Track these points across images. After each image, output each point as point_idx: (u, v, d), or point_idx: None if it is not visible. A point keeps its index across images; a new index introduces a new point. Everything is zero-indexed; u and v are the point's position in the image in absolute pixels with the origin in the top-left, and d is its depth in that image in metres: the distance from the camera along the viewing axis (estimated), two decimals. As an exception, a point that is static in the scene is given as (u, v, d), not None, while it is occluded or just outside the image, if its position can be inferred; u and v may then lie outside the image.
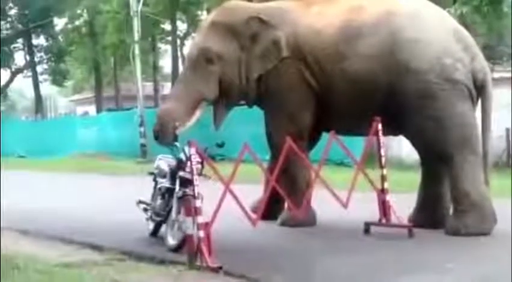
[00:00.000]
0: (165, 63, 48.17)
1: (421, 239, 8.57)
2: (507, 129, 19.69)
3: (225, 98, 10.01)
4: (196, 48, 10.18)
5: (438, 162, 9.24)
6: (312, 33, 9.65)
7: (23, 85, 54.64)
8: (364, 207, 9.40)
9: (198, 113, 9.85)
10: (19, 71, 48.70)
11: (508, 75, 20.08)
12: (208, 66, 9.86)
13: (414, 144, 9.61)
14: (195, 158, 7.63)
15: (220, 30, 9.96)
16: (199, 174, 7.83)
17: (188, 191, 7.97)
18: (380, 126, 9.04)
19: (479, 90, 9.21)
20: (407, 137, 9.66)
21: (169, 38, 40.47)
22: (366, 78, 9.23)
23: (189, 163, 7.92)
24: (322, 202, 9.54)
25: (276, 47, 9.71)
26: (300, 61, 9.67)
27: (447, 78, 9.00)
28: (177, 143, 8.84)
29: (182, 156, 8.38)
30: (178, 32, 39.93)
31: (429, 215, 9.29)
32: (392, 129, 9.40)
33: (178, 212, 8.14)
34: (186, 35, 41.24)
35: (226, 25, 9.96)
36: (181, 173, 8.32)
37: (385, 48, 9.19)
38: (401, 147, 16.67)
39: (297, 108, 9.78)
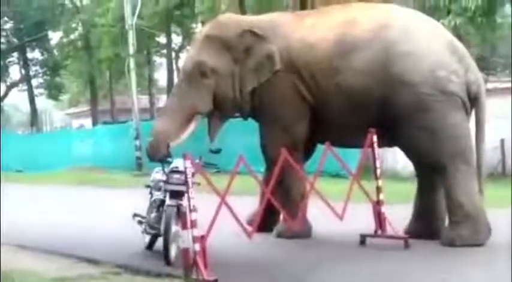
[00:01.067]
0: (160, 76, 48.18)
1: (417, 250, 8.59)
2: (502, 140, 19.74)
3: (220, 110, 10.05)
4: (190, 62, 10.21)
5: (432, 173, 9.26)
6: (306, 47, 9.68)
7: (18, 99, 54.53)
8: (359, 218, 9.39)
9: (192, 126, 9.89)
10: (14, 85, 48.62)
11: (502, 86, 20.19)
12: (202, 80, 9.91)
13: (408, 155, 9.64)
14: (191, 171, 7.64)
15: (214, 44, 10.00)
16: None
17: (182, 203, 8.04)
18: (375, 137, 9.07)
19: (473, 102, 9.25)
20: (402, 149, 9.69)
21: (164, 51, 40.54)
22: (361, 92, 9.26)
23: (178, 175, 8.11)
24: (317, 214, 9.54)
25: (269, 61, 9.74)
26: (294, 74, 9.70)
27: (441, 90, 9.03)
28: (169, 159, 8.86)
29: (167, 169, 8.47)
30: (173, 45, 40.03)
31: (425, 226, 9.31)
32: (387, 140, 9.44)
33: (167, 224, 8.18)
34: (181, 48, 41.28)
35: (219, 38, 10.00)
36: (167, 186, 8.38)
37: (379, 62, 9.22)
38: (396, 159, 16.71)
39: (292, 120, 9.80)
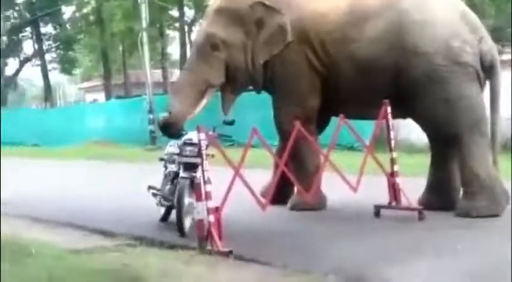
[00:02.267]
0: (173, 50, 48.10)
1: (431, 222, 8.57)
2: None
3: (232, 83, 10.03)
4: (201, 35, 10.20)
5: (447, 144, 9.22)
6: (318, 17, 9.65)
7: (32, 74, 54.71)
8: (374, 190, 9.37)
9: (205, 100, 9.88)
10: (28, 59, 48.70)
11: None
12: (213, 53, 9.88)
13: (423, 127, 9.59)
14: (205, 143, 7.65)
15: (225, 17, 9.96)
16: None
17: (196, 175, 8.06)
18: (389, 109, 9.02)
19: (487, 72, 9.19)
20: (416, 120, 9.64)
21: (177, 25, 40.37)
22: (373, 61, 9.23)
23: (191, 147, 8.15)
24: (331, 186, 9.54)
25: (281, 32, 9.71)
26: (306, 45, 9.68)
27: (455, 60, 8.97)
28: (183, 132, 8.86)
29: (180, 141, 8.48)
30: (185, 18, 39.79)
31: (439, 197, 9.30)
32: (400, 112, 9.39)
33: (180, 196, 8.21)
34: (194, 21, 41.05)
35: (231, 11, 9.95)
36: (181, 159, 8.40)
37: (391, 31, 9.18)
38: (410, 131, 16.59)
39: (304, 92, 9.78)
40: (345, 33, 9.44)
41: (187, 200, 8.19)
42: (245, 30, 9.88)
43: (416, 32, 9.11)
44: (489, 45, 9.25)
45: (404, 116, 9.93)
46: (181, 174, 8.33)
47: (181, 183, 8.24)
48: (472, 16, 9.42)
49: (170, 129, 9.35)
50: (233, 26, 9.89)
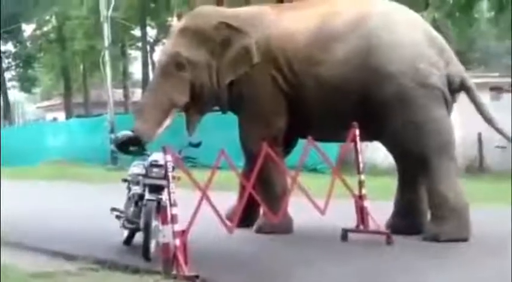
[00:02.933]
0: (135, 70, 47.93)
1: (399, 246, 8.48)
2: (479, 134, 19.70)
3: (197, 103, 9.90)
4: (166, 54, 10.09)
5: (415, 167, 9.16)
6: (285, 37, 9.56)
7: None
8: (340, 213, 9.27)
9: (169, 120, 9.74)
10: (-14, 77, 48.12)
11: (478, 80, 20.20)
12: (178, 72, 9.76)
13: (390, 149, 9.53)
14: (171, 165, 7.50)
15: (190, 36, 9.86)
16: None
17: (162, 198, 7.90)
18: (357, 131, 8.95)
19: (456, 94, 9.20)
20: (383, 143, 9.58)
21: (139, 44, 40.27)
22: (339, 84, 9.15)
23: (157, 169, 7.99)
24: (298, 209, 9.42)
25: (246, 53, 9.62)
26: (272, 65, 9.58)
27: (422, 82, 8.94)
28: (146, 152, 8.68)
29: (146, 163, 8.31)
30: (148, 38, 39.74)
31: (407, 220, 9.22)
32: (368, 134, 9.32)
33: (147, 219, 8.00)
34: (156, 41, 41.08)
35: (196, 31, 9.84)
36: (147, 180, 8.23)
37: (359, 53, 9.11)
38: (374, 152, 16.62)
39: (270, 113, 9.67)
40: (311, 54, 9.36)
41: (153, 223, 8.01)
42: (210, 50, 9.76)
43: (383, 53, 9.05)
44: (457, 67, 9.25)
45: (371, 139, 9.87)
46: (148, 196, 8.14)
47: (148, 205, 8.05)
48: (439, 39, 9.42)
49: (130, 146, 9.06)
50: (198, 46, 9.78)
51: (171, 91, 9.74)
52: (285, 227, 9.48)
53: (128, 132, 9.08)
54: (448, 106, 9.20)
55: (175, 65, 9.79)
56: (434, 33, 9.54)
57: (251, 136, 9.72)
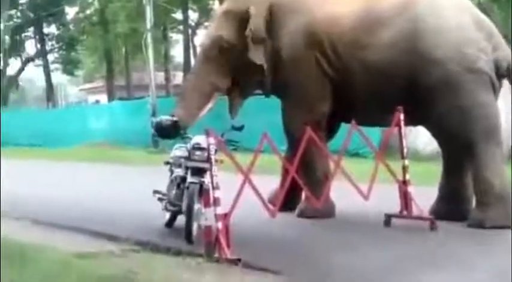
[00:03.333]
0: (177, 53, 48.07)
1: (443, 232, 8.38)
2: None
3: (240, 87, 9.90)
4: (209, 38, 10.12)
5: (460, 153, 9.03)
6: (330, 21, 9.49)
7: (34, 74, 54.59)
8: (384, 198, 9.18)
9: (210, 104, 9.76)
10: (30, 60, 48.66)
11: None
12: (220, 56, 9.76)
13: (436, 135, 9.41)
14: (213, 148, 7.48)
15: (233, 20, 9.83)
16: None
17: (205, 181, 7.89)
18: (402, 116, 8.84)
19: (501, 80, 9.05)
20: (428, 128, 9.46)
21: (181, 27, 40.32)
22: (385, 68, 9.07)
23: (200, 152, 7.97)
24: (341, 194, 9.35)
25: (288, 36, 9.56)
26: (317, 50, 9.52)
27: (469, 67, 8.81)
28: (188, 135, 8.67)
29: (189, 145, 8.29)
30: (189, 21, 39.76)
31: (451, 207, 9.10)
32: (412, 119, 9.20)
33: (190, 202, 7.99)
34: (198, 25, 41.12)
35: (239, 14, 9.81)
36: (190, 163, 8.21)
37: (405, 37, 9.02)
38: (416, 138, 16.44)
39: (314, 97, 9.62)
40: (357, 38, 9.28)
41: (196, 205, 8.00)
42: (241, 31, 9.70)
43: (430, 38, 8.95)
44: (505, 51, 9.07)
45: (415, 124, 9.76)
46: (190, 179, 8.13)
47: (191, 188, 8.04)
48: (487, 23, 9.27)
49: (169, 131, 9.08)
50: (241, 30, 9.72)
51: (213, 75, 9.75)
52: (327, 212, 9.42)
53: (167, 117, 9.07)
54: (495, 91, 9.05)
55: (217, 48, 9.79)
56: (483, 17, 9.38)
57: (294, 120, 9.67)
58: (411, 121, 9.27)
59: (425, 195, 9.29)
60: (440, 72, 8.83)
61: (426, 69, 8.89)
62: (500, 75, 9.01)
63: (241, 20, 9.74)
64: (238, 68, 9.76)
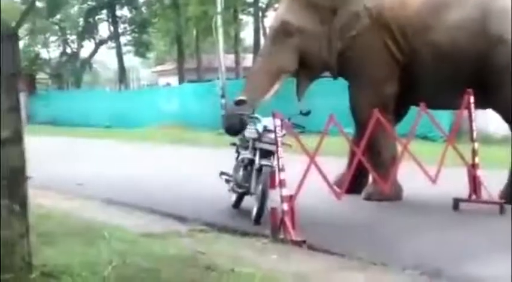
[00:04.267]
0: (247, 35, 48.10)
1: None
2: None
3: (307, 70, 9.91)
4: (276, 21, 10.17)
5: None
6: (398, 3, 9.45)
7: (106, 56, 55.38)
8: (452, 182, 9.07)
9: (277, 86, 9.76)
10: (103, 42, 49.37)
11: None
12: (287, 39, 9.79)
13: (505, 117, 9.24)
14: (280, 130, 7.49)
15: (300, 3, 9.87)
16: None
17: (270, 163, 7.92)
18: (472, 98, 8.70)
19: None
20: (498, 111, 9.30)
21: (251, 10, 40.32)
22: (453, 50, 8.99)
23: (270, 134, 7.85)
24: (409, 177, 9.27)
25: (356, 19, 9.54)
26: (385, 32, 9.48)
27: None
28: (258, 115, 8.69)
29: (260, 127, 8.29)
30: (260, 4, 39.72)
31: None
32: (481, 102, 9.04)
33: (265, 185, 7.99)
34: (268, 7, 40.97)
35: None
36: (259, 145, 8.24)
37: (473, 19, 8.93)
38: (488, 122, 16.13)
39: (382, 79, 9.57)
40: (425, 21, 9.22)
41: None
42: (319, 17, 9.73)
43: (500, 19, 8.82)
44: None
45: (484, 107, 9.58)
46: (262, 161, 8.16)
47: (265, 171, 8.05)
48: None
49: (236, 127, 9.09)
50: (308, 13, 9.76)
51: (280, 58, 9.78)
52: (394, 195, 9.35)
53: (234, 112, 9.08)
54: None
55: (284, 31, 9.83)
56: None
57: (361, 103, 9.63)
58: (480, 104, 9.10)
59: (497, 179, 9.15)
60: (507, 53, 8.66)
61: (495, 50, 8.76)
62: None
63: (308, 3, 9.77)
64: (305, 51, 9.75)
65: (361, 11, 9.51)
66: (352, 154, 9.20)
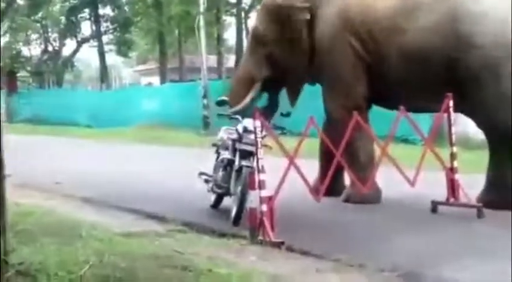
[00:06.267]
0: (229, 36, 48.10)
1: (491, 220, 8.26)
2: None
3: (287, 78, 10.12)
4: (251, 29, 10.60)
5: (502, 141, 8.88)
6: (366, 6, 9.56)
7: (88, 55, 55.22)
8: (431, 186, 9.12)
9: (252, 93, 9.96)
10: (85, 40, 49.16)
11: None
12: (258, 48, 10.15)
13: (476, 122, 9.28)
14: (260, 130, 7.50)
15: (265, 12, 10.28)
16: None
17: (250, 164, 7.93)
18: (451, 102, 8.73)
19: None
20: (468, 115, 9.33)
21: (234, 11, 40.31)
22: (424, 53, 9.02)
23: (251, 135, 7.86)
24: (388, 180, 9.31)
25: (324, 24, 9.76)
26: (351, 34, 9.58)
27: (509, 53, 8.64)
28: (238, 116, 8.70)
29: (240, 128, 8.30)
30: (243, 4, 39.73)
31: (499, 195, 8.95)
32: (453, 106, 9.08)
33: (245, 185, 7.97)
34: (251, 8, 40.97)
35: (269, 7, 10.25)
36: (239, 146, 8.24)
37: (445, 21, 8.94)
38: (467, 125, 16.18)
39: (349, 79, 9.67)
40: (395, 23, 9.27)
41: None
42: (282, 26, 9.96)
43: (471, 23, 8.84)
44: None
45: (455, 110, 9.64)
46: (242, 162, 8.16)
47: (244, 172, 8.04)
48: None
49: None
50: (271, 22, 10.09)
51: (252, 65, 10.15)
52: (373, 197, 9.38)
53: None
54: None
55: (255, 40, 10.24)
56: None
57: (333, 104, 9.78)
58: (454, 108, 9.15)
59: (475, 183, 9.20)
60: (481, 58, 8.72)
61: (468, 55, 8.78)
62: None
63: (271, 13, 10.12)
64: (277, 60, 10.02)
65: (328, 16, 9.69)
66: (325, 155, 9.42)
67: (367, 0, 9.57)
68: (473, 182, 9.19)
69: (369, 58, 9.51)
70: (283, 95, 10.45)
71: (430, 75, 9.03)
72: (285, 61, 9.95)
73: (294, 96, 10.27)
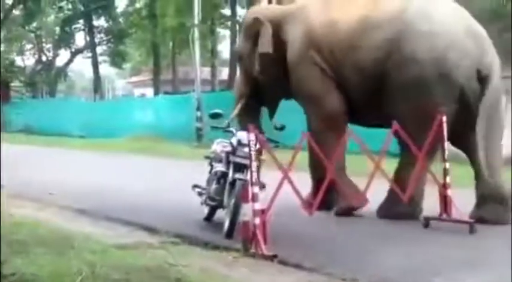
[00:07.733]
0: (223, 48, 48.22)
1: (483, 235, 8.29)
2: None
3: (262, 93, 10.51)
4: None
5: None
6: (328, 25, 9.81)
7: (82, 66, 55.23)
8: (425, 201, 9.15)
9: (236, 109, 10.42)
10: (79, 51, 49.20)
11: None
12: (240, 64, 11.02)
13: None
14: (254, 144, 7.52)
15: (243, 29, 11.01)
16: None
17: (243, 177, 7.93)
18: (444, 118, 8.78)
19: (484, 87, 9.04)
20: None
21: (229, 23, 40.40)
22: (373, 68, 9.34)
23: (245, 148, 7.88)
24: (380, 194, 9.34)
25: (291, 44, 10.09)
26: (316, 53, 9.86)
27: (444, 73, 8.96)
28: (232, 129, 8.73)
29: (234, 141, 8.32)
30: (237, 17, 39.82)
31: (489, 210, 9.00)
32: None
33: (238, 199, 7.98)
34: (245, 20, 41.07)
35: (244, 24, 10.87)
36: (233, 158, 8.26)
37: (393, 39, 9.25)
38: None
39: (321, 92, 9.91)
40: (351, 41, 9.56)
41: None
42: (252, 44, 10.36)
43: (415, 40, 9.14)
44: (492, 59, 9.18)
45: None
46: (236, 175, 8.18)
47: (238, 185, 8.05)
48: (480, 31, 9.35)
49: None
50: (246, 41, 10.59)
51: (239, 82, 10.93)
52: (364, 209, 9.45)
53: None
54: (469, 102, 9.07)
55: (238, 56, 11.03)
56: (476, 26, 9.42)
57: (311, 116, 10.07)
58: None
59: (469, 198, 9.24)
60: (414, 71, 9.05)
61: (402, 67, 9.12)
62: (481, 82, 9.05)
63: (245, 31, 10.68)
64: (250, 75, 10.44)
65: (295, 36, 9.99)
66: (315, 168, 9.65)
67: (330, 20, 9.79)
68: (468, 197, 9.23)
69: (334, 76, 9.80)
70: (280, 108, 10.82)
71: (377, 90, 9.30)
72: (258, 76, 10.32)
73: (271, 110, 10.74)
